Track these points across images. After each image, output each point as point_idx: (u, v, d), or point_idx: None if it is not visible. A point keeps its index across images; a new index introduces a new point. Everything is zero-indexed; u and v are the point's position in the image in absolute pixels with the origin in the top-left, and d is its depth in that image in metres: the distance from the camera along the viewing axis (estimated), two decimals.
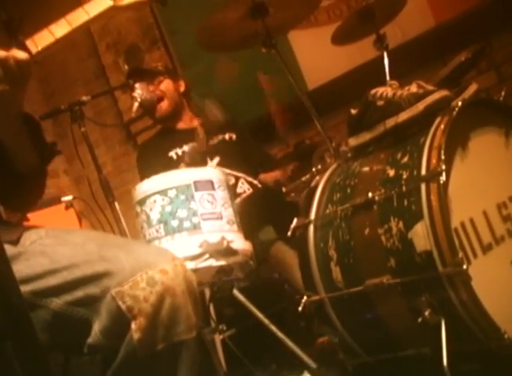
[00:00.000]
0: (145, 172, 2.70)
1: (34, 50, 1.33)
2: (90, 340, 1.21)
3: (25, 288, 1.24)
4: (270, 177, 2.94)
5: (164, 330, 1.18)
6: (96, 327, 1.21)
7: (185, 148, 2.74)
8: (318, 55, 3.76)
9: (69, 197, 3.39)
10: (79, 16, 1.38)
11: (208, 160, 2.83)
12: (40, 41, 1.35)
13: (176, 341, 1.19)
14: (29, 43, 1.33)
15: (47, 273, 1.25)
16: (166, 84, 2.93)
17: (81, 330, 1.22)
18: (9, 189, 1.43)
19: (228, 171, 2.78)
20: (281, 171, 3.01)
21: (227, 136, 2.99)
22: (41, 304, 1.24)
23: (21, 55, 1.29)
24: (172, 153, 2.93)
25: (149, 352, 1.18)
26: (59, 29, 1.37)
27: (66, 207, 3.35)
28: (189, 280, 1.25)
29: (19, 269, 1.25)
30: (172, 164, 2.76)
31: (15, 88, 1.30)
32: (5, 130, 1.37)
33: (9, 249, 1.29)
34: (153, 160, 2.91)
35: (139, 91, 2.61)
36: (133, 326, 1.17)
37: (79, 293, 1.22)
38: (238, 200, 2.66)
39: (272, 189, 2.76)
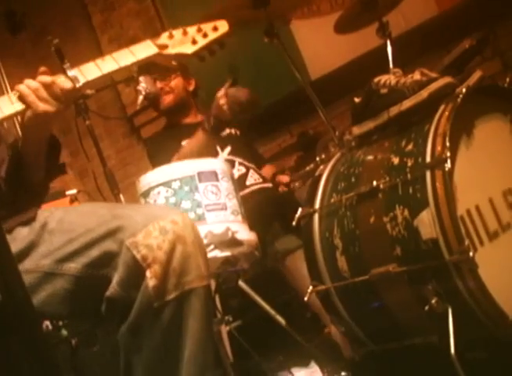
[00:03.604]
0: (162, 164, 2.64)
1: (81, 80, 1.38)
2: (108, 293, 1.25)
3: (45, 261, 1.29)
4: (266, 174, 2.94)
5: (175, 279, 1.23)
6: (114, 281, 1.25)
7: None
8: (320, 44, 3.74)
9: (73, 191, 3.38)
10: (125, 57, 1.45)
11: (219, 150, 2.82)
12: (87, 72, 1.40)
13: (187, 289, 1.23)
14: (76, 72, 1.38)
15: (65, 244, 1.29)
16: (176, 82, 2.91)
17: (102, 291, 1.26)
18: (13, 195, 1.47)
19: (240, 160, 2.77)
20: (272, 167, 3.04)
21: (233, 131, 2.98)
22: (61, 272, 1.28)
23: (67, 84, 1.36)
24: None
25: (163, 299, 1.22)
26: (106, 65, 1.42)
27: (71, 201, 3.34)
28: (197, 232, 1.30)
29: (40, 249, 1.31)
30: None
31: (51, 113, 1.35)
32: (30, 146, 1.42)
33: (28, 235, 1.33)
34: (163, 153, 2.88)
35: (143, 84, 2.59)
36: (148, 274, 1.22)
37: (95, 252, 1.27)
38: (248, 191, 2.65)
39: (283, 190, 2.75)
